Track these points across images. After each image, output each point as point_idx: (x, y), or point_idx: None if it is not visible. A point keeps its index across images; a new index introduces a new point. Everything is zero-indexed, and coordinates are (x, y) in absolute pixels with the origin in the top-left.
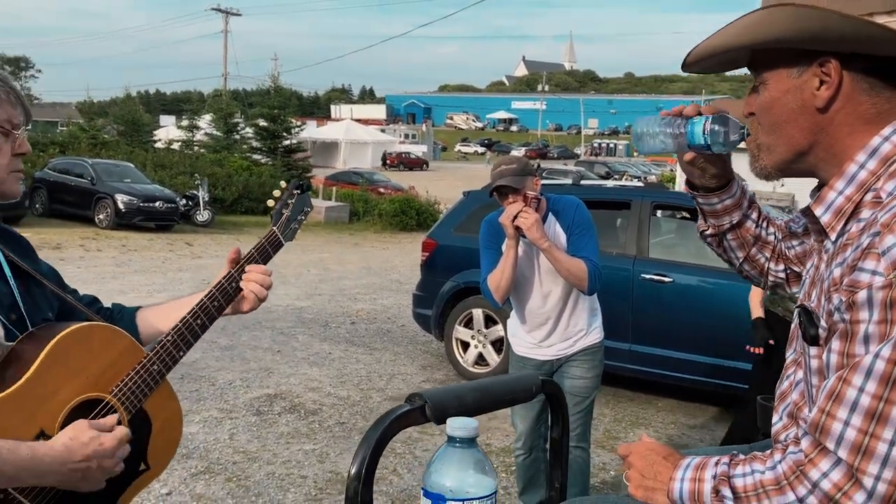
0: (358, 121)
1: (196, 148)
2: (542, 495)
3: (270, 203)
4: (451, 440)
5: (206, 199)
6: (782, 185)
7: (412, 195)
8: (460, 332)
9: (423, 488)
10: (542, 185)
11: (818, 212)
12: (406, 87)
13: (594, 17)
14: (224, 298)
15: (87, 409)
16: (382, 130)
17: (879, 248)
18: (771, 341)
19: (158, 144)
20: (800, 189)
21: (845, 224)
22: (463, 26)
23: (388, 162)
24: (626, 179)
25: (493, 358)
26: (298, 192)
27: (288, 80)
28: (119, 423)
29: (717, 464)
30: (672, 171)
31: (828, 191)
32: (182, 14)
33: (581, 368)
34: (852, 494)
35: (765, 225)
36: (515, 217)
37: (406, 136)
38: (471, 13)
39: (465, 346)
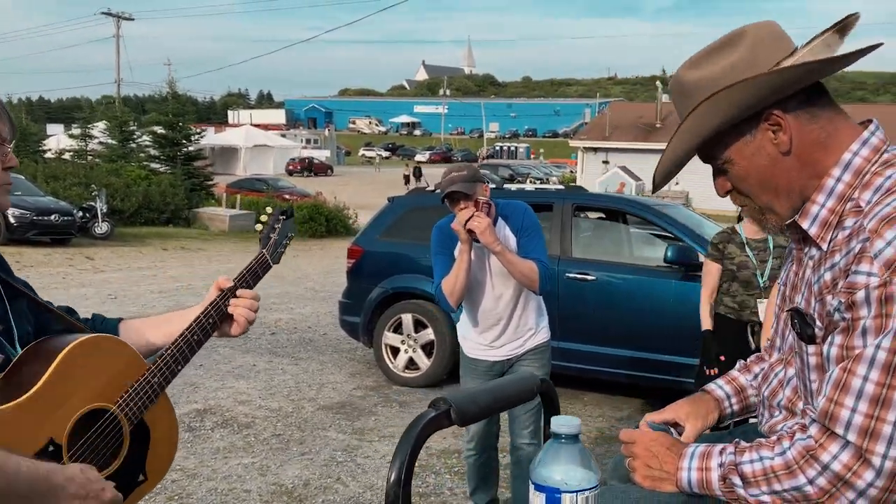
0: (257, 126)
1: (90, 157)
2: (491, 494)
3: (258, 227)
4: (557, 437)
5: (105, 210)
6: (677, 184)
7: (320, 201)
8: (389, 337)
9: (533, 482)
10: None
11: (805, 224)
12: (305, 91)
13: (492, 23)
14: (218, 316)
15: (93, 419)
16: (283, 135)
17: (871, 252)
18: (722, 357)
19: (48, 154)
20: (693, 187)
21: (832, 232)
22: (362, 31)
23: (290, 168)
24: (529, 181)
25: (424, 362)
26: (284, 217)
27: (183, 85)
28: (120, 440)
29: (721, 452)
30: (572, 172)
31: (810, 205)
32: (71, 18)
33: (531, 367)
34: (862, 473)
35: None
36: (467, 222)
37: (308, 140)
38: (370, 17)
39: (395, 351)
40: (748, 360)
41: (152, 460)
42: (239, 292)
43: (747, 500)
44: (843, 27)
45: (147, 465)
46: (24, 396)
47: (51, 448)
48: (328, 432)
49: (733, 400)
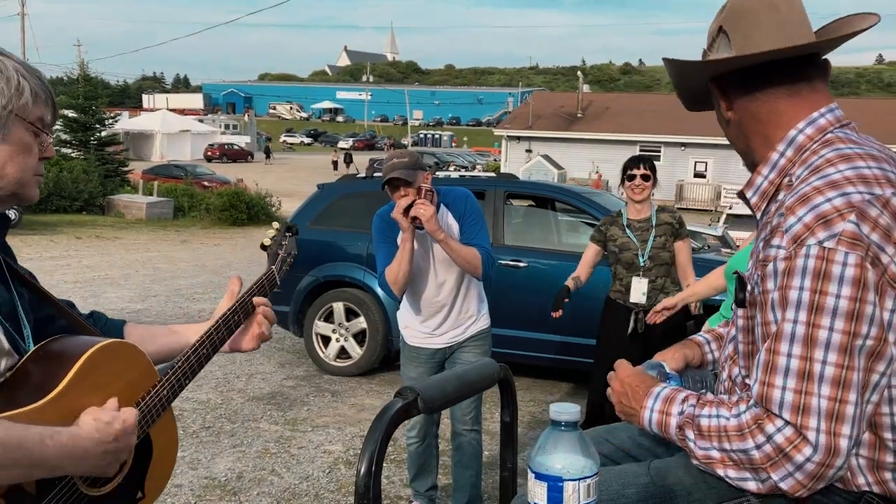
0: (174, 111)
1: None
2: (432, 481)
3: (266, 242)
4: (556, 424)
5: None
6: (597, 172)
7: (241, 188)
8: (320, 326)
9: (532, 471)
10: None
11: (748, 194)
12: (224, 75)
13: (415, 10)
14: (227, 332)
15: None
16: (201, 121)
17: (784, 227)
18: (567, 300)
19: None
20: (612, 175)
21: (767, 204)
22: (282, 14)
23: (209, 154)
24: (453, 168)
25: (356, 351)
26: (290, 234)
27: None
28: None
29: (684, 401)
30: (496, 160)
31: (756, 176)
32: None
33: (473, 353)
34: (801, 448)
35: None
36: (408, 210)
37: (227, 126)
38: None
39: (327, 340)
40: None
41: (152, 476)
42: (259, 305)
43: (695, 453)
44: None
45: (147, 481)
46: (43, 401)
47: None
48: (260, 423)
49: (713, 346)
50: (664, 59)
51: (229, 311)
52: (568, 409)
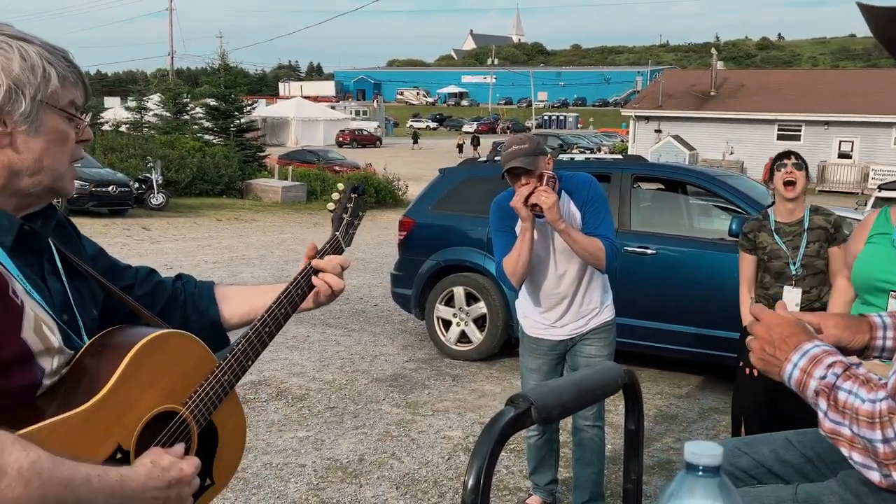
0: (307, 98)
1: (145, 129)
2: (552, 475)
3: (330, 206)
4: (692, 468)
5: (160, 181)
6: (731, 153)
7: (370, 172)
8: (441, 310)
9: None
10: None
11: None
12: (354, 62)
13: None
14: (290, 306)
15: (162, 422)
16: (332, 107)
17: None
18: None
19: (106, 127)
20: (748, 157)
21: None
22: (410, 1)
23: (340, 139)
24: (577, 151)
25: (477, 336)
26: (356, 195)
27: (234, 57)
28: (188, 444)
29: (830, 366)
30: (623, 141)
31: None
32: None
33: (595, 346)
34: None
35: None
36: (527, 198)
37: (357, 112)
38: None
39: (447, 324)
40: None
41: (220, 463)
42: (326, 257)
43: (824, 424)
44: None
45: (214, 469)
46: (92, 401)
47: (119, 455)
48: (382, 405)
49: (889, 333)
50: (859, 5)
51: (291, 285)
52: (708, 451)
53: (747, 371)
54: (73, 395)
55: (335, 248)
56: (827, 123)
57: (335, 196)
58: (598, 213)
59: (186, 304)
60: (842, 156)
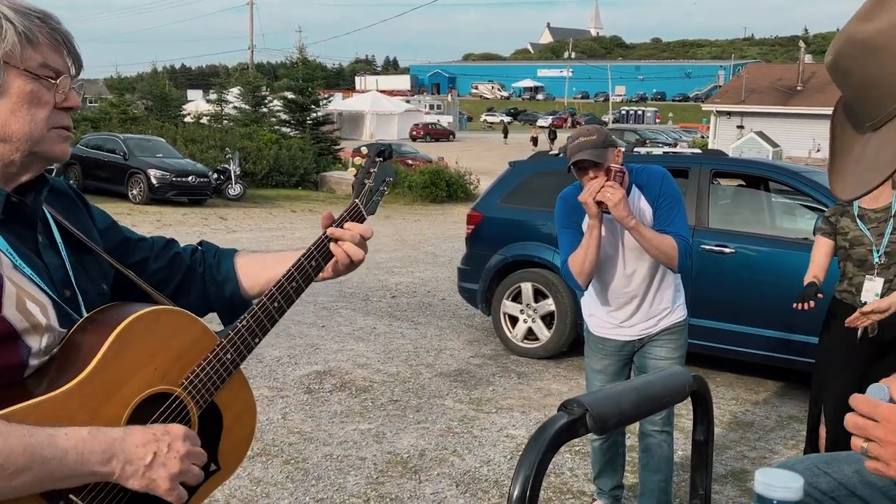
0: (383, 92)
1: (225, 122)
2: (617, 480)
3: (352, 171)
4: (765, 502)
5: (238, 172)
6: (818, 151)
7: (442, 166)
8: (508, 306)
9: None
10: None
11: None
12: (429, 56)
13: None
14: (303, 279)
15: (156, 404)
16: (407, 101)
17: None
18: (821, 294)
19: (187, 119)
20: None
21: None
22: None
23: (413, 133)
24: (647, 144)
25: (544, 333)
26: (381, 159)
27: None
28: (188, 422)
29: None
30: (703, 137)
31: None
32: None
33: (665, 348)
34: None
35: None
36: (597, 193)
37: (431, 106)
38: None
39: (514, 320)
40: None
41: (226, 447)
42: (346, 225)
43: None
44: None
45: (220, 453)
46: (74, 382)
47: None
48: (445, 401)
49: None
50: None
51: (304, 257)
52: (784, 482)
53: (799, 306)
54: (60, 375)
55: (355, 215)
56: None
57: (357, 161)
58: (671, 209)
59: (206, 275)
60: None
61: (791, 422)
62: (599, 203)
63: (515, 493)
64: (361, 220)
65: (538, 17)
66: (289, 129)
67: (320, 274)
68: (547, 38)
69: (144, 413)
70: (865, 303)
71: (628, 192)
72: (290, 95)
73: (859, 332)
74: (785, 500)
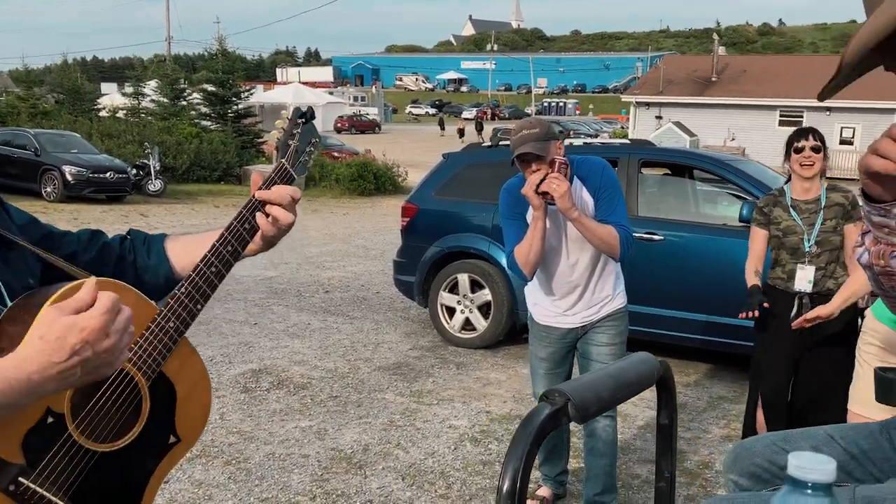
0: (305, 84)
1: (143, 115)
2: (562, 466)
3: (274, 134)
4: (800, 485)
5: (158, 168)
6: (733, 139)
7: (369, 159)
8: (445, 297)
9: None
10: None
11: None
12: (352, 48)
13: None
14: (238, 242)
15: (101, 380)
16: (331, 93)
17: None
18: (765, 304)
19: (103, 113)
20: (749, 143)
21: None
22: None
23: (338, 125)
24: (571, 134)
25: (482, 323)
26: (303, 120)
27: (232, 43)
28: (139, 399)
29: None
30: (623, 128)
31: None
32: None
33: (607, 335)
34: None
35: None
36: (541, 184)
37: (355, 98)
38: None
39: (451, 311)
40: None
41: (182, 418)
42: (274, 188)
43: None
44: None
45: (177, 424)
46: None
47: (50, 419)
48: (385, 394)
49: None
50: None
51: (235, 220)
52: (818, 465)
53: (745, 314)
54: None
55: (283, 176)
56: (829, 109)
57: (279, 123)
58: (612, 200)
59: (137, 262)
60: (843, 142)
61: (721, 402)
62: (543, 195)
63: (506, 487)
64: (290, 181)
65: (460, 10)
66: (209, 123)
67: (251, 247)
68: (469, 31)
69: (90, 387)
70: (799, 291)
71: (570, 182)
72: (210, 88)
73: (792, 314)
74: (819, 482)
